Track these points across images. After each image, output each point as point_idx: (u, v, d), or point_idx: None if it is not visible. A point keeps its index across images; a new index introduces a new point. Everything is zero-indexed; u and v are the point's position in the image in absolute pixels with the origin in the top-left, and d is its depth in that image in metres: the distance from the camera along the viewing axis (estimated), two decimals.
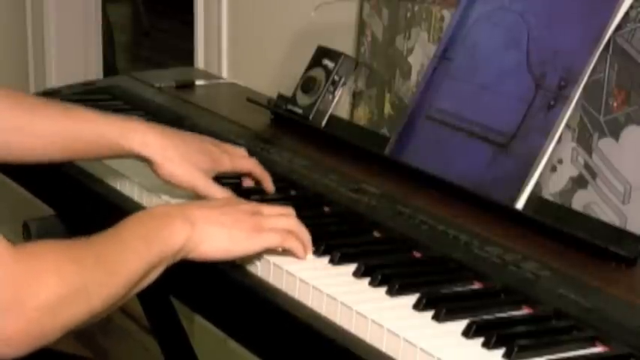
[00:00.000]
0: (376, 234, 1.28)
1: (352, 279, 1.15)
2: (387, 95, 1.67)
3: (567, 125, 1.32)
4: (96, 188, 1.46)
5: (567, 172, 1.35)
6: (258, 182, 1.41)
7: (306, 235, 1.20)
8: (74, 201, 1.47)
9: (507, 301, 1.11)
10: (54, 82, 3.05)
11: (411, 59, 1.63)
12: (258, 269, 1.19)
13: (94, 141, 1.32)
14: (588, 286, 1.11)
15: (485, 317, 1.06)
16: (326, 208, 1.36)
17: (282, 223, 1.20)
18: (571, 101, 1.31)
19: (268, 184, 1.40)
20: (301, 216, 1.23)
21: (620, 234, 1.23)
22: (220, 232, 1.15)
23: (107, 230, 1.10)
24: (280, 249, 1.19)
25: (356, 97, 1.73)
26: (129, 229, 1.11)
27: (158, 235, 1.11)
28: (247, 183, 1.42)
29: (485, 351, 1.00)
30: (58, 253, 1.01)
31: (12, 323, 0.95)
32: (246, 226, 1.17)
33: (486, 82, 1.42)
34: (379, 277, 1.13)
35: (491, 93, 1.41)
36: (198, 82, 2.04)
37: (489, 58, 1.43)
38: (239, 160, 1.41)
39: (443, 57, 1.49)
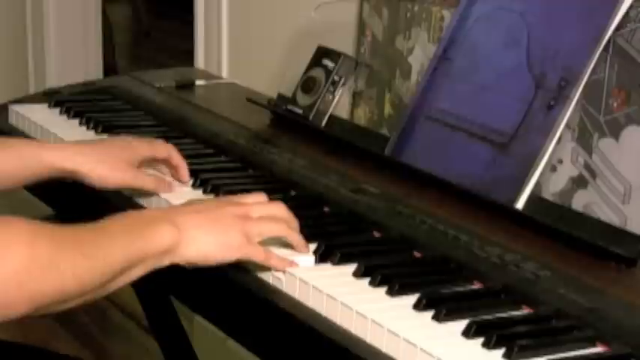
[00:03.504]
0: (376, 234, 1.28)
1: (352, 279, 1.15)
2: (387, 95, 1.67)
3: (567, 125, 1.32)
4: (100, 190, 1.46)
5: (567, 172, 1.35)
6: (174, 168, 1.43)
7: (296, 238, 1.19)
8: (74, 201, 1.47)
9: (507, 301, 1.11)
10: (54, 82, 3.06)
11: (411, 59, 1.63)
12: (258, 269, 1.18)
13: (16, 165, 1.34)
14: (588, 286, 1.11)
15: (485, 317, 1.06)
16: (326, 208, 1.35)
17: (270, 228, 1.19)
18: (571, 101, 1.31)
19: (183, 173, 1.42)
20: (301, 216, 1.23)
21: (620, 234, 1.23)
22: (207, 239, 1.14)
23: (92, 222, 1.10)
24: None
25: (356, 97, 1.73)
26: (113, 222, 1.11)
27: (142, 232, 1.10)
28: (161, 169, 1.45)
29: (485, 351, 1.00)
30: (35, 228, 1.01)
31: None
32: (233, 233, 1.16)
33: (486, 82, 1.42)
34: (379, 277, 1.13)
35: (491, 93, 1.41)
36: (198, 82, 2.04)
37: (489, 58, 1.43)
38: (156, 145, 1.43)
39: (443, 57, 1.49)
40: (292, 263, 1.17)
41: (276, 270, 1.17)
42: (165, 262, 1.12)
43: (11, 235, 0.98)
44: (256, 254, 1.16)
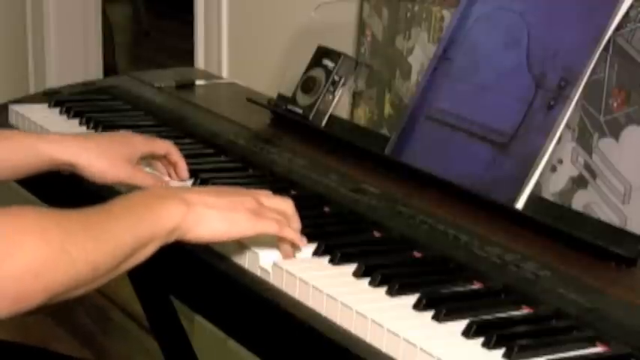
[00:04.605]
0: (376, 234, 1.28)
1: (352, 279, 1.15)
2: (387, 95, 1.67)
3: (567, 125, 1.32)
4: (95, 187, 1.46)
5: (567, 172, 1.35)
6: (173, 165, 1.44)
7: (297, 236, 1.19)
8: (74, 201, 1.47)
9: (507, 301, 1.11)
10: (54, 82, 3.06)
11: (411, 59, 1.63)
12: (258, 269, 1.19)
13: (14, 156, 1.34)
14: (588, 286, 1.11)
15: (485, 317, 1.06)
16: (326, 208, 1.36)
17: (279, 204, 1.19)
18: (571, 101, 1.31)
19: (183, 170, 1.43)
20: (301, 216, 1.23)
21: (620, 234, 1.23)
22: (217, 214, 1.13)
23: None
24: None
25: (356, 97, 1.73)
26: (120, 203, 1.10)
27: (150, 211, 1.10)
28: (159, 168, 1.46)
29: (485, 351, 1.00)
30: (42, 216, 1.00)
31: None
32: (243, 209, 1.15)
33: (486, 82, 1.42)
34: (379, 277, 1.13)
35: (491, 93, 1.41)
36: (198, 82, 2.04)
37: (489, 58, 1.43)
38: (155, 141, 1.44)
39: (443, 57, 1.49)
40: (302, 240, 1.18)
41: (292, 240, 1.17)
42: (173, 238, 1.11)
43: (21, 227, 0.98)
44: (269, 226, 1.16)
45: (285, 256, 1.18)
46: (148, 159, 1.46)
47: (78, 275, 1.00)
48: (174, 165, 1.43)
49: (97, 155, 1.36)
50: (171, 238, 1.11)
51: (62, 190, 1.46)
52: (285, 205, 1.21)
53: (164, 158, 1.44)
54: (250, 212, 1.16)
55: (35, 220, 0.99)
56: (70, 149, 1.35)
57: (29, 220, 0.99)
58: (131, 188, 1.38)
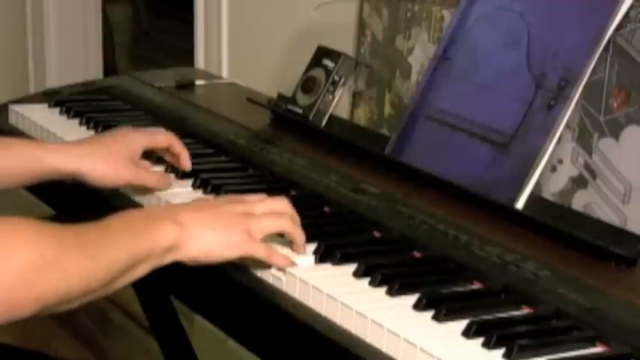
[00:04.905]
0: (376, 234, 1.28)
1: (352, 279, 1.15)
2: (387, 95, 1.67)
3: (567, 125, 1.32)
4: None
5: (567, 172, 1.35)
6: (176, 157, 1.44)
7: (298, 235, 1.19)
8: (74, 201, 1.47)
9: (507, 301, 1.11)
10: (54, 82, 3.06)
11: (411, 59, 1.63)
12: (258, 269, 1.19)
13: (15, 166, 1.34)
14: (588, 286, 1.11)
15: (485, 317, 1.06)
16: (326, 208, 1.35)
17: (274, 224, 1.19)
18: (571, 101, 1.31)
19: (185, 161, 1.43)
20: (301, 216, 1.23)
21: (620, 234, 1.23)
22: (209, 236, 1.14)
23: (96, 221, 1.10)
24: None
25: (356, 97, 1.73)
26: (115, 220, 1.10)
27: (144, 230, 1.10)
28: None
29: (485, 351, 1.00)
30: (39, 228, 1.01)
31: None
32: (236, 230, 1.15)
33: (486, 82, 1.42)
34: (379, 277, 1.13)
35: (491, 93, 1.41)
36: (198, 82, 2.04)
37: (489, 58, 1.43)
38: (156, 135, 1.44)
39: (443, 57, 1.49)
40: (294, 262, 1.17)
41: (279, 268, 1.16)
42: (168, 259, 1.12)
43: (17, 236, 0.99)
44: (259, 251, 1.16)
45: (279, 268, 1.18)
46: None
47: (70, 289, 1.02)
48: (177, 157, 1.43)
49: (99, 160, 1.35)
50: (167, 259, 1.12)
51: (66, 191, 1.46)
52: (282, 205, 1.21)
53: (167, 151, 1.44)
54: (244, 234, 1.16)
55: (32, 231, 1.00)
56: (71, 158, 1.34)
57: (26, 231, 1.00)
58: (135, 189, 1.39)
